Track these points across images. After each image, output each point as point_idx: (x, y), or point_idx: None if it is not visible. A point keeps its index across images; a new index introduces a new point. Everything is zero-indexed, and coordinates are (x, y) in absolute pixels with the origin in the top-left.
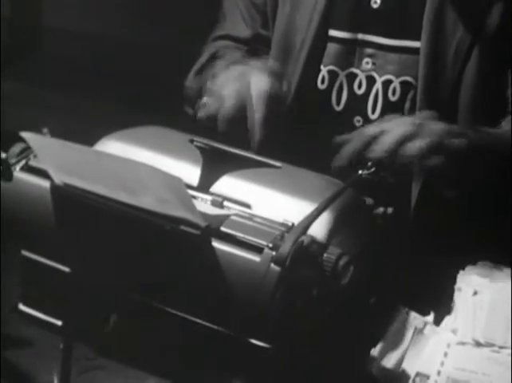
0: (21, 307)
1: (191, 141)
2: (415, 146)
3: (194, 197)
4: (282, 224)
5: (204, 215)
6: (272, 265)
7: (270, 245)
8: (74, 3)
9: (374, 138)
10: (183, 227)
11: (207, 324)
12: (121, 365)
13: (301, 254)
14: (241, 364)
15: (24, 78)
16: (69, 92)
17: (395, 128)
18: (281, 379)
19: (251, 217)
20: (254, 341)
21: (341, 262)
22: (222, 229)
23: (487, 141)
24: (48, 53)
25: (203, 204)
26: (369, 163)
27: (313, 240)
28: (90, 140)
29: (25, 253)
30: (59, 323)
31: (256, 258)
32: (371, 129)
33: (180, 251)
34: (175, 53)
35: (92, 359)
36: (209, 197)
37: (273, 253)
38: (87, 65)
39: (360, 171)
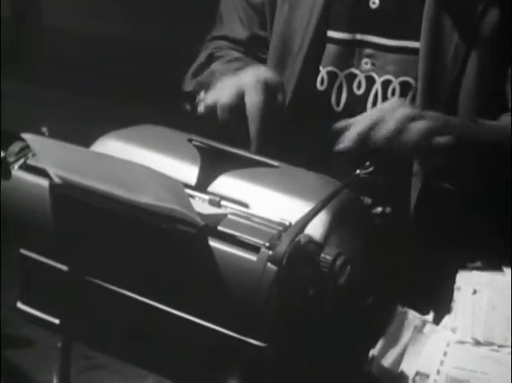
0: (20, 306)
1: (190, 140)
2: (417, 127)
3: (192, 196)
4: (279, 223)
5: (201, 215)
6: (268, 264)
7: (267, 244)
8: (74, 3)
9: (377, 122)
10: (180, 226)
11: (204, 323)
12: (121, 365)
13: (298, 254)
14: (238, 363)
15: (24, 78)
16: (69, 91)
17: (397, 111)
18: (279, 379)
19: (248, 216)
20: (250, 341)
21: (338, 262)
22: (219, 228)
23: (486, 133)
24: (48, 53)
25: (201, 203)
26: (367, 163)
27: (310, 239)
28: (89, 139)
29: (23, 251)
30: (57, 322)
31: (253, 257)
32: (373, 113)
33: (178, 250)
34: (174, 53)
35: (91, 358)
36: (206, 196)
37: (270, 252)
38: (87, 65)
39: (357, 171)
